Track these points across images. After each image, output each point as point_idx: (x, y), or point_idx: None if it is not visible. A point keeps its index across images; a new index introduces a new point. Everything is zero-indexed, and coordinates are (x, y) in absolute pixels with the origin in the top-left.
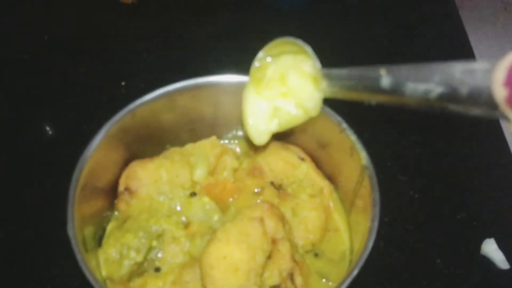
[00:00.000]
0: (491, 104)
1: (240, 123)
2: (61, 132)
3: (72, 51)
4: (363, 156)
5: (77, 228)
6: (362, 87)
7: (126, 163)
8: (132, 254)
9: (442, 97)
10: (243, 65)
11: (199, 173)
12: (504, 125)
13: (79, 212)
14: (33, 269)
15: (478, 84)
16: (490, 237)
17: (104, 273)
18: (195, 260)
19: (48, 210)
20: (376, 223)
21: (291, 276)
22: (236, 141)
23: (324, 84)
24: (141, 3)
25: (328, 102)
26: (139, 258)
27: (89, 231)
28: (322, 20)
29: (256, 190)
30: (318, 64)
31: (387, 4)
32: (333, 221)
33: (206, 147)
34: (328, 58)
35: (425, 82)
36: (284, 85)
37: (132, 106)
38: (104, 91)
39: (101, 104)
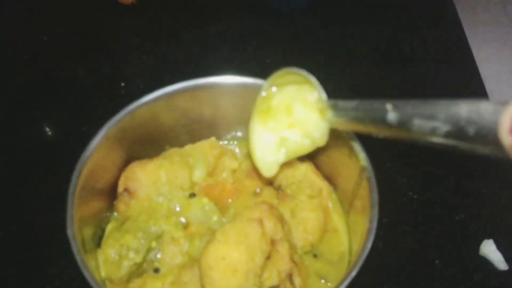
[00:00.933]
0: (499, 145)
1: (239, 124)
2: (60, 133)
3: (71, 52)
4: (362, 157)
5: (77, 229)
6: (368, 121)
7: (125, 164)
8: (131, 254)
9: (449, 136)
10: (242, 66)
11: (198, 174)
12: None
13: (79, 213)
14: (32, 269)
15: (485, 125)
16: (489, 238)
17: (103, 273)
18: (194, 261)
19: (47, 211)
20: (374, 224)
21: (290, 277)
22: (235, 142)
23: (329, 114)
24: (140, 5)
25: None
26: (138, 259)
27: (88, 232)
28: (323, 23)
29: (255, 191)
30: (323, 95)
31: (388, 7)
32: (332, 222)
33: (205, 148)
34: (328, 60)
35: (431, 120)
36: (290, 116)
37: (131, 107)
38: (103, 92)
39: (101, 105)
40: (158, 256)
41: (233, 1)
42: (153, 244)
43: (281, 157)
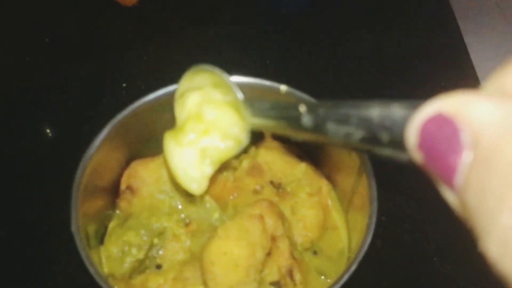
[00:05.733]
0: None
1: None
2: (62, 133)
3: (73, 53)
4: (361, 155)
5: (81, 226)
6: (285, 123)
7: (127, 162)
8: (134, 251)
9: (364, 142)
10: (242, 67)
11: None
12: None
13: (82, 210)
14: (35, 267)
15: (399, 131)
16: None
17: (106, 270)
18: (196, 257)
19: (49, 209)
20: (373, 220)
21: (290, 273)
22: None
23: (246, 114)
24: (141, 6)
25: None
26: (141, 255)
27: (91, 229)
28: (323, 25)
29: (255, 189)
30: (239, 94)
31: (387, 10)
32: (332, 219)
33: None
34: (328, 61)
35: (344, 124)
36: (201, 121)
37: (133, 106)
38: (105, 92)
39: (102, 105)
40: (160, 252)
41: (234, 3)
42: (155, 241)
43: (207, 169)
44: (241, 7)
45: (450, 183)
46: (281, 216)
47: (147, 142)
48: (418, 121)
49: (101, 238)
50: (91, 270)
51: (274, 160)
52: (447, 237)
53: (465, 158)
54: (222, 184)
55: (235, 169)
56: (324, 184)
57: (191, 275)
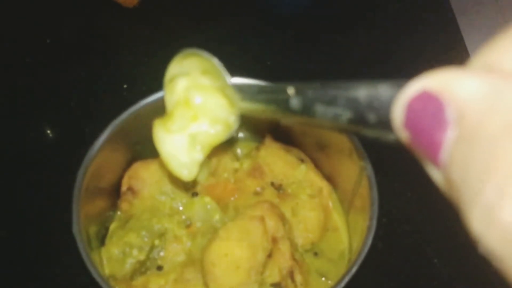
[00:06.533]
0: None
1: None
2: (63, 135)
3: (74, 55)
4: (362, 157)
5: (82, 227)
6: (274, 106)
7: (128, 164)
8: (135, 252)
9: (352, 123)
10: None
11: (201, 174)
12: None
13: (83, 211)
14: (35, 268)
15: (385, 111)
16: None
17: (107, 271)
18: (197, 259)
19: (50, 210)
20: (374, 221)
21: (291, 274)
22: (237, 143)
23: (236, 98)
24: (142, 7)
25: None
26: (142, 257)
27: (92, 230)
28: (323, 26)
29: (256, 190)
30: (228, 78)
31: (387, 10)
32: (332, 221)
33: None
34: (329, 62)
35: (333, 106)
36: (189, 107)
37: (134, 108)
38: (106, 94)
39: (103, 106)
40: (161, 254)
41: (234, 4)
42: (156, 242)
43: (198, 155)
44: (241, 8)
45: (435, 160)
46: (282, 218)
47: (148, 144)
48: (403, 99)
49: (102, 239)
50: (92, 271)
51: (275, 162)
52: (448, 239)
53: (450, 134)
54: (223, 186)
55: (236, 170)
56: (325, 186)
57: (192, 277)
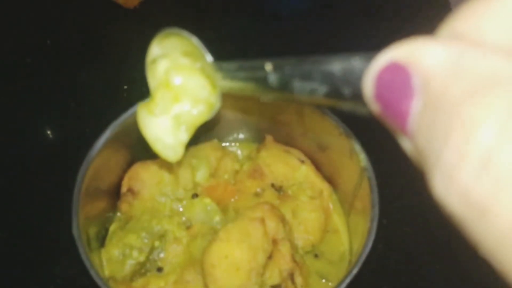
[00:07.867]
0: None
1: (241, 126)
2: (63, 136)
3: (74, 56)
4: (362, 158)
5: (82, 228)
6: (253, 83)
7: (129, 165)
8: (135, 254)
9: (328, 96)
10: None
11: (201, 175)
12: None
13: (83, 212)
14: (35, 269)
15: (358, 84)
16: None
17: (106, 272)
18: (197, 260)
19: (50, 211)
20: (375, 224)
21: (291, 276)
22: (237, 144)
23: (217, 77)
24: (142, 8)
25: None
26: (142, 258)
27: (92, 231)
28: (323, 27)
29: (256, 191)
30: (209, 57)
31: (387, 8)
32: (333, 223)
33: (208, 150)
34: None
35: (309, 81)
36: (169, 88)
37: (134, 109)
38: (106, 95)
39: (103, 107)
40: (161, 255)
41: (234, 6)
42: (156, 243)
43: (183, 135)
44: (241, 9)
45: (404, 130)
46: (282, 219)
47: (148, 145)
48: (373, 71)
49: (102, 241)
50: (92, 273)
51: (275, 163)
52: (449, 241)
53: (416, 102)
54: (223, 187)
55: (236, 172)
56: (325, 187)
57: (192, 278)
